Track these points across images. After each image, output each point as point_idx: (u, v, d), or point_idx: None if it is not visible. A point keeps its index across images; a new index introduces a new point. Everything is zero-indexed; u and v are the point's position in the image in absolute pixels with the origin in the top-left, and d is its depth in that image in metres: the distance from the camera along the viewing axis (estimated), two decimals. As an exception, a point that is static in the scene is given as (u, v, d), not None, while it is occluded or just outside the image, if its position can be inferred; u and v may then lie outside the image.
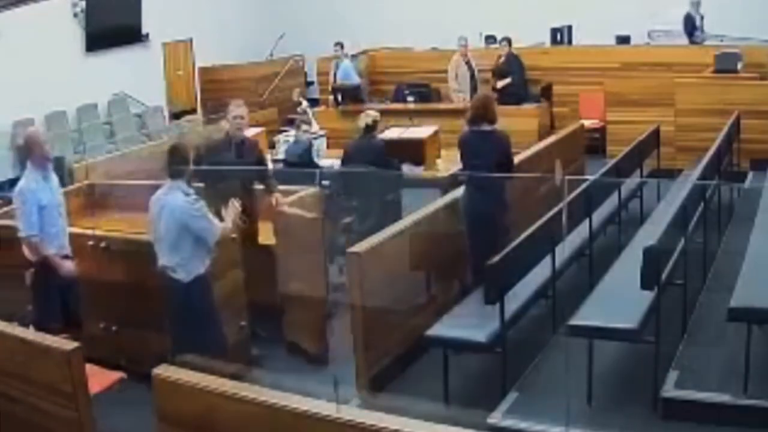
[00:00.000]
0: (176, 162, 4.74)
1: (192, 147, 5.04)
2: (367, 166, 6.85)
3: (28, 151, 5.15)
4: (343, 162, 7.30)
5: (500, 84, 11.20)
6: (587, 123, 10.28)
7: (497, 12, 12.84)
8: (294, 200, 5.77)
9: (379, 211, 6.72)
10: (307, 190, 5.96)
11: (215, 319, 4.87)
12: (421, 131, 8.67)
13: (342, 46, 12.23)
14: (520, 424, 4.33)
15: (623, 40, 12.15)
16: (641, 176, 8.03)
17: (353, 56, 13.54)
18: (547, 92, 11.66)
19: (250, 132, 9.95)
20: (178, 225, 4.66)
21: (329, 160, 8.39)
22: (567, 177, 5.32)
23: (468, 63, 11.46)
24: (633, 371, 4.82)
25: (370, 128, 7.28)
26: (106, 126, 12.54)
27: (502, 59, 11.32)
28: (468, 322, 4.79)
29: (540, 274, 5.24)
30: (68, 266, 5.09)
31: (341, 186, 7.02)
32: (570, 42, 12.28)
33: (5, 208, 6.53)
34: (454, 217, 5.92)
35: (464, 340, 4.71)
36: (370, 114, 7.44)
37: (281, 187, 5.85)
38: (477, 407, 4.49)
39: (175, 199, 4.69)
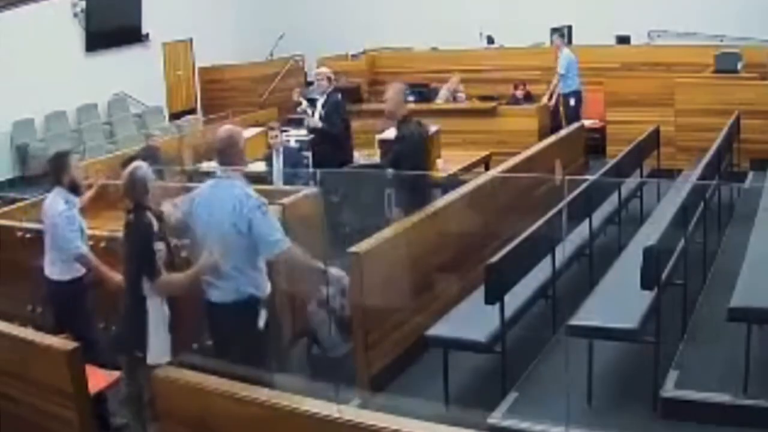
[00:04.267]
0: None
1: None
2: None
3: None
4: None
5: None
6: (587, 123, 10.28)
7: (497, 12, 12.84)
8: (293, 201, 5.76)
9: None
10: (306, 190, 5.95)
11: None
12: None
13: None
14: (520, 424, 4.31)
15: (623, 40, 12.15)
16: (641, 176, 8.02)
17: (354, 56, 13.55)
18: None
19: (249, 132, 9.98)
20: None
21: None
22: (567, 177, 5.34)
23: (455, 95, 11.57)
24: (633, 371, 4.81)
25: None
26: (106, 126, 12.57)
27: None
28: (468, 322, 4.78)
29: (540, 274, 5.24)
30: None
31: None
32: (570, 42, 12.27)
33: (5, 208, 6.54)
34: (453, 217, 5.91)
35: (464, 340, 4.70)
36: None
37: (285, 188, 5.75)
38: (477, 407, 4.48)
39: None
